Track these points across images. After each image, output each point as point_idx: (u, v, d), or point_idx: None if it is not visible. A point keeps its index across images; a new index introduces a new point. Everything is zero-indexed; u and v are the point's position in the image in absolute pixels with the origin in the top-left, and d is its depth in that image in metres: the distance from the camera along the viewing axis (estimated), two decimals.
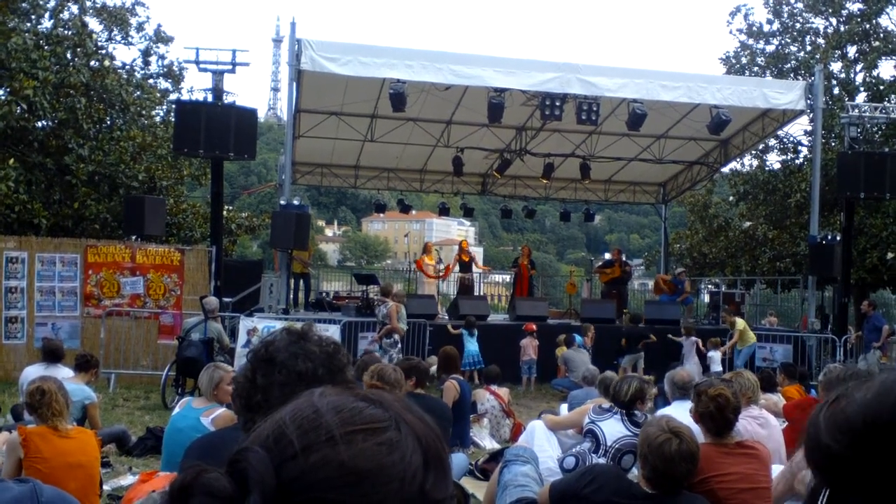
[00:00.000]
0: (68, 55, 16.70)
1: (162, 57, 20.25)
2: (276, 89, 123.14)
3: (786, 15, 23.85)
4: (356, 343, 12.71)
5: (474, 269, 19.36)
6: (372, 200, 22.82)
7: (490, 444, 8.37)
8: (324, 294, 19.03)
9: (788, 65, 23.56)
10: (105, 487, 5.77)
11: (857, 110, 15.18)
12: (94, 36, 17.87)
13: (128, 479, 6.34)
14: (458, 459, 6.63)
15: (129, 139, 17.51)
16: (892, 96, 21.28)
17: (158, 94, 19.71)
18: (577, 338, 13.17)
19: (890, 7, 22.52)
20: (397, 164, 20.47)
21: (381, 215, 30.99)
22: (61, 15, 17.94)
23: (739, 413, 3.91)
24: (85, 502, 4.27)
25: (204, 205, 19.20)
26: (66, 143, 16.12)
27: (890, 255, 20.21)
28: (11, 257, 12.29)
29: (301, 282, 17.17)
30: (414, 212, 34.33)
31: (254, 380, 1.81)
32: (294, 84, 13.79)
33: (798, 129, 22.71)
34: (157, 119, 19.80)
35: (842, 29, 22.96)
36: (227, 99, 13.30)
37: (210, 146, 12.74)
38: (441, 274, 18.09)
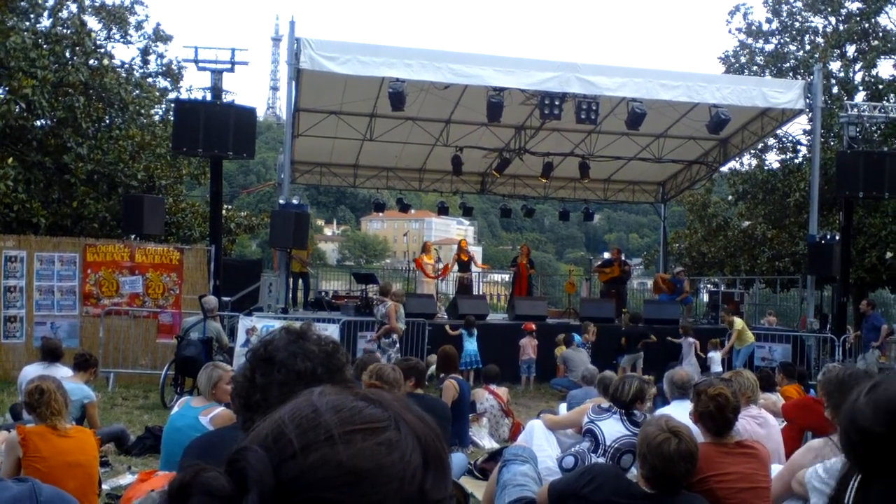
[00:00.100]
0: (67, 54, 16.69)
1: (161, 56, 20.30)
2: (275, 88, 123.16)
3: (785, 14, 23.84)
4: (355, 342, 12.70)
5: (473, 268, 19.37)
6: (371, 200, 22.84)
7: (489, 444, 8.36)
8: (323, 293, 19.01)
9: (787, 64, 23.54)
10: (104, 487, 5.77)
11: (856, 109, 15.17)
12: (93, 35, 17.86)
13: (126, 479, 6.34)
14: (458, 459, 6.63)
15: (127, 138, 17.50)
16: (892, 95, 21.26)
17: (157, 93, 19.69)
18: (576, 337, 13.17)
19: (889, 6, 22.51)
20: (396, 164, 20.47)
21: (380, 214, 31.06)
22: (60, 14, 17.90)
23: (739, 413, 3.91)
24: (84, 501, 4.27)
25: (203, 204, 19.19)
26: (64, 142, 16.11)
27: (889, 255, 20.20)
28: (10, 256, 12.29)
29: (300, 281, 17.16)
30: (413, 211, 34.35)
31: (253, 379, 1.80)
32: (293, 83, 13.79)
33: (797, 128, 22.71)
34: (156, 118, 19.79)
35: (841, 28, 22.95)
36: (226, 98, 13.30)
37: (209, 145, 12.72)
38: (440, 273, 18.10)
